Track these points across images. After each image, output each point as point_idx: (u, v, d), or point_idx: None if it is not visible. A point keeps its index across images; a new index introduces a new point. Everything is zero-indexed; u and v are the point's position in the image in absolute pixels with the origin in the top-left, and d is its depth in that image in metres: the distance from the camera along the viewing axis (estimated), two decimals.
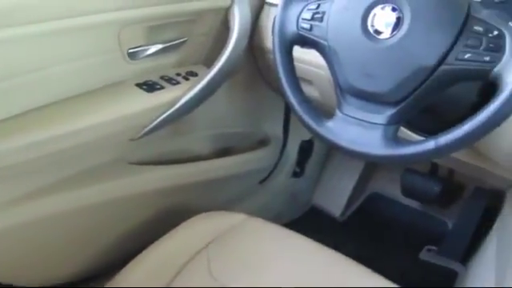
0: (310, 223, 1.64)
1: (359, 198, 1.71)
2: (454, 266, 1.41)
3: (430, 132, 0.67)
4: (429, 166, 1.51)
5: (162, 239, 0.92)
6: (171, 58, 1.06)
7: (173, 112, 0.99)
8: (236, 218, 0.97)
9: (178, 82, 1.02)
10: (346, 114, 0.74)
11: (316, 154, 1.61)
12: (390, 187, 1.64)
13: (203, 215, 0.99)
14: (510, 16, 0.85)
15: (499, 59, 0.62)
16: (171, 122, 1.01)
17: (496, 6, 0.87)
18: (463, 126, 0.64)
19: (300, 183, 1.62)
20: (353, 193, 1.66)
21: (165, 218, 1.16)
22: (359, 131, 0.72)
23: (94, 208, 1.02)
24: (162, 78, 1.02)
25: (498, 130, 0.84)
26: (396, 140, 0.70)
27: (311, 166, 1.62)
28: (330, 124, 0.76)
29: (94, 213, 1.02)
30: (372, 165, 1.69)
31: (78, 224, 1.01)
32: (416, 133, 0.92)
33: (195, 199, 1.24)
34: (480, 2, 0.87)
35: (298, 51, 0.84)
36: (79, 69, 0.90)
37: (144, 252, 0.89)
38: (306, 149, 1.55)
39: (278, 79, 0.82)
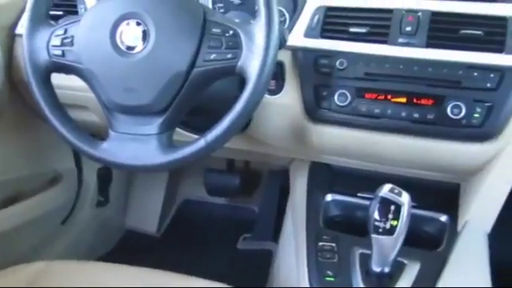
0: (128, 248, 1.59)
1: (171, 209, 1.73)
2: (269, 245, 1.53)
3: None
4: (225, 162, 1.61)
5: None
6: None
7: None
8: (34, 268, 0.89)
9: None
10: (118, 132, 0.74)
11: (117, 178, 1.57)
12: (197, 190, 1.70)
13: None
14: (250, 14, 0.95)
15: (240, 55, 0.69)
16: None
17: (237, 8, 0.98)
18: (224, 120, 0.70)
19: (108, 211, 1.56)
20: (164, 206, 1.67)
21: None
22: (135, 146, 0.73)
23: None
24: None
25: (259, 116, 0.94)
26: (171, 146, 0.73)
27: (115, 190, 1.58)
28: (106, 145, 0.75)
29: None
30: (176, 173, 1.72)
31: None
32: (196, 133, 0.97)
33: None
34: (221, 6, 0.96)
35: (62, 78, 0.81)
36: None
37: None
38: (104, 175, 1.50)
39: (42, 111, 0.78)
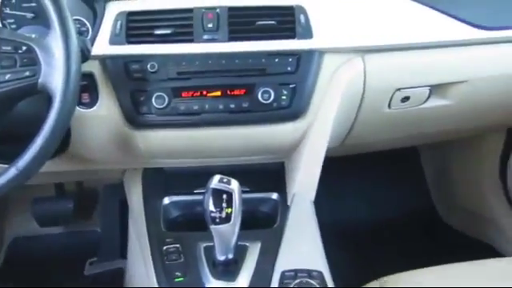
0: None
1: (0, 252, 1.54)
2: (118, 264, 1.46)
3: None
4: (53, 187, 1.49)
5: None
6: None
7: None
8: None
9: None
10: None
11: None
12: (28, 225, 1.54)
13: None
14: (47, 28, 0.89)
15: (39, 71, 0.65)
16: None
17: (31, 22, 0.91)
18: (35, 143, 0.65)
19: None
20: None
21: None
22: None
23: None
24: None
25: (78, 131, 0.89)
26: None
27: None
28: None
29: None
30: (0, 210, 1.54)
31: None
32: (7, 163, 0.88)
33: None
34: (12, 22, 0.89)
35: None
36: None
37: None
38: None
39: None
